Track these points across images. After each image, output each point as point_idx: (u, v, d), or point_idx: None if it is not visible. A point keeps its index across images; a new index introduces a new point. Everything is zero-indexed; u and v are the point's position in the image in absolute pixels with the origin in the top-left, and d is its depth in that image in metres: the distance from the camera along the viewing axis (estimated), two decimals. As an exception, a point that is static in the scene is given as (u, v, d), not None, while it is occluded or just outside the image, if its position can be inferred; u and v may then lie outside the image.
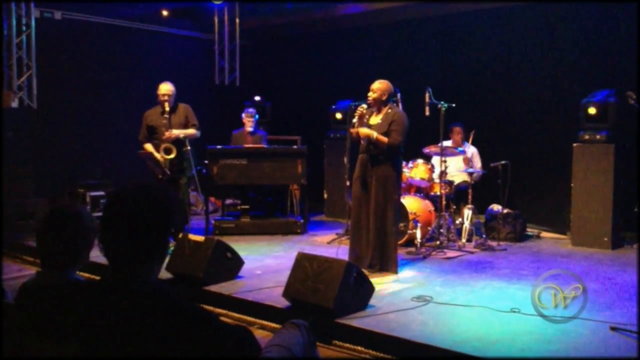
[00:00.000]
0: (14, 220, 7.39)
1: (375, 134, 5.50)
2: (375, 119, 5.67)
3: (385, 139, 5.50)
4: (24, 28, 8.23)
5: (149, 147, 6.71)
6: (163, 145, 6.57)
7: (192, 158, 6.73)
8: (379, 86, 5.64)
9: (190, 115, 6.82)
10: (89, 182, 8.42)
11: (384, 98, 5.63)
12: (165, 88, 6.65)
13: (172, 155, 6.56)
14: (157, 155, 6.59)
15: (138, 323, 1.74)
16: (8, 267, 6.42)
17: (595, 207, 6.77)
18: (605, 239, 6.72)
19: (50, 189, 8.20)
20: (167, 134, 6.57)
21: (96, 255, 2.08)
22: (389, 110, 5.63)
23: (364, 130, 5.54)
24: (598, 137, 6.76)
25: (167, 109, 6.60)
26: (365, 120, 5.68)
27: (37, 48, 8.36)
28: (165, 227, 1.90)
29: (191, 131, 6.74)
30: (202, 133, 6.93)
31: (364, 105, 5.69)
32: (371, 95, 5.63)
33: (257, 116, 8.30)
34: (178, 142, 6.67)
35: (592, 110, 6.76)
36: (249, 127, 8.15)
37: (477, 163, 7.63)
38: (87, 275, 5.07)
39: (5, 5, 8.07)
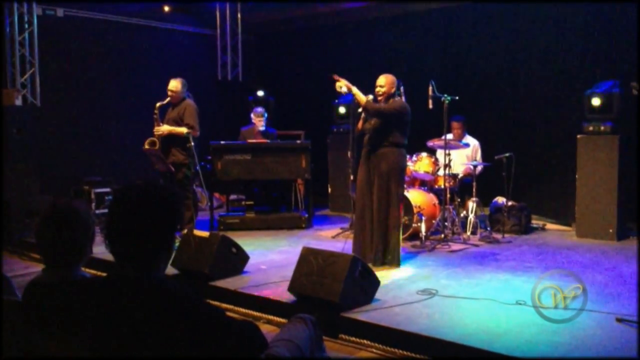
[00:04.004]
0: (19, 218, 7.41)
1: (355, 88, 5.60)
2: None
3: (362, 98, 5.58)
4: (26, 25, 8.24)
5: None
6: (148, 140, 6.69)
7: (195, 154, 6.75)
8: (386, 80, 5.66)
9: (187, 114, 6.75)
10: (93, 179, 8.44)
11: (392, 90, 5.69)
12: (170, 84, 6.82)
13: (154, 148, 6.67)
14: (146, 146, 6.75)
15: (146, 319, 1.75)
16: (15, 264, 6.45)
17: (600, 199, 6.75)
18: (611, 231, 6.70)
19: (55, 186, 8.22)
20: (155, 129, 6.69)
21: (102, 251, 2.08)
22: (392, 102, 5.67)
23: (343, 83, 5.64)
24: (602, 128, 6.73)
25: (158, 105, 6.72)
26: None
27: (39, 45, 8.38)
28: (171, 224, 1.91)
29: (180, 129, 6.69)
30: (205, 128, 6.93)
31: (370, 96, 5.70)
32: (380, 90, 5.64)
33: (266, 114, 8.30)
34: (174, 137, 6.70)
35: (596, 102, 6.73)
36: (260, 126, 8.15)
37: (479, 156, 7.61)
38: (93, 271, 5.09)
39: (7, 3, 8.08)
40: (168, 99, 6.76)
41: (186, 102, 6.84)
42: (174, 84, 6.78)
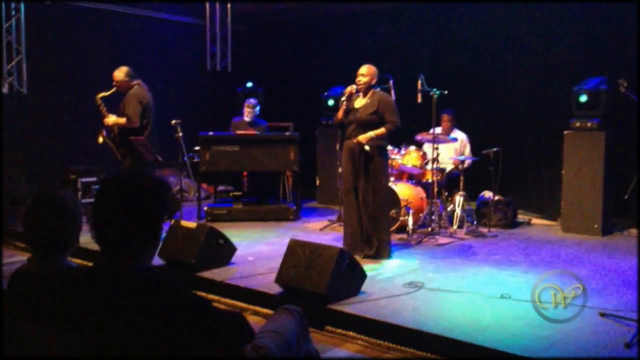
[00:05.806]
0: (5, 206, 7.35)
1: (372, 134, 5.50)
2: (360, 102, 5.68)
3: (382, 130, 5.52)
4: (13, 12, 8.13)
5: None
6: (100, 133, 6.66)
7: (184, 144, 6.71)
8: (369, 70, 5.65)
9: (127, 103, 6.52)
10: (80, 167, 8.37)
11: (373, 82, 5.67)
12: (114, 74, 6.61)
13: (100, 141, 6.62)
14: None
15: (132, 309, 1.74)
16: (-1, 253, 6.40)
17: (585, 194, 6.81)
18: (596, 226, 6.76)
19: (41, 174, 8.15)
20: (105, 120, 6.60)
21: (88, 241, 2.07)
22: (374, 94, 5.66)
23: (362, 138, 5.50)
24: (589, 124, 6.78)
25: (100, 95, 6.57)
26: (351, 103, 5.69)
27: (26, 33, 8.27)
28: (158, 213, 1.90)
29: (121, 120, 6.53)
30: (193, 119, 6.89)
31: (353, 86, 5.68)
32: (362, 79, 5.62)
33: (258, 107, 8.26)
34: (125, 128, 6.57)
35: (583, 98, 6.77)
36: (247, 117, 8.13)
37: (467, 150, 7.65)
38: (78, 261, 5.07)
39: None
40: (113, 89, 6.56)
41: (130, 90, 6.57)
42: (115, 74, 6.57)
